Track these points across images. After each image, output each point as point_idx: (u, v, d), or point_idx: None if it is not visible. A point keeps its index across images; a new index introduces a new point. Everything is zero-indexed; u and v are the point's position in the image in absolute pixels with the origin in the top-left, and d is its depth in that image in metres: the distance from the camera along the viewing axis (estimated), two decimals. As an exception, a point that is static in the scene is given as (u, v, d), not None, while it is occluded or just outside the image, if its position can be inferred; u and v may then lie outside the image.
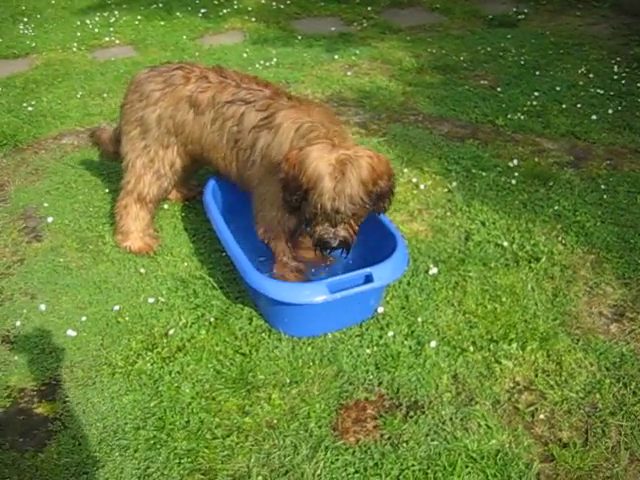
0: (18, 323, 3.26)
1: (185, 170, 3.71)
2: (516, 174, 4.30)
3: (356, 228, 2.94)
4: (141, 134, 3.52)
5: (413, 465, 2.52)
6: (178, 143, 3.51)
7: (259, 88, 3.25)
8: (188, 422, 2.73)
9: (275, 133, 3.07)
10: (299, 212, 2.98)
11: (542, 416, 2.72)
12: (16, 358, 3.07)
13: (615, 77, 5.82)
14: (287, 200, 2.94)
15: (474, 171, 4.35)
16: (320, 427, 2.69)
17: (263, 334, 3.12)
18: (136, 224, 3.71)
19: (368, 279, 2.91)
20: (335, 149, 2.80)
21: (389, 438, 2.64)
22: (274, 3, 8.10)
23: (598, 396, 2.80)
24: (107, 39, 7.13)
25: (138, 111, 3.51)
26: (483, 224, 3.83)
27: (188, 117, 3.39)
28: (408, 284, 3.38)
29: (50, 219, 4.00)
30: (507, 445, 2.60)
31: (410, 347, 3.03)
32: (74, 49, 6.85)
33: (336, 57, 6.35)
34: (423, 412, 2.74)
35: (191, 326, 3.19)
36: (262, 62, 6.24)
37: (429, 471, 2.50)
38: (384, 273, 2.94)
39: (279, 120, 3.06)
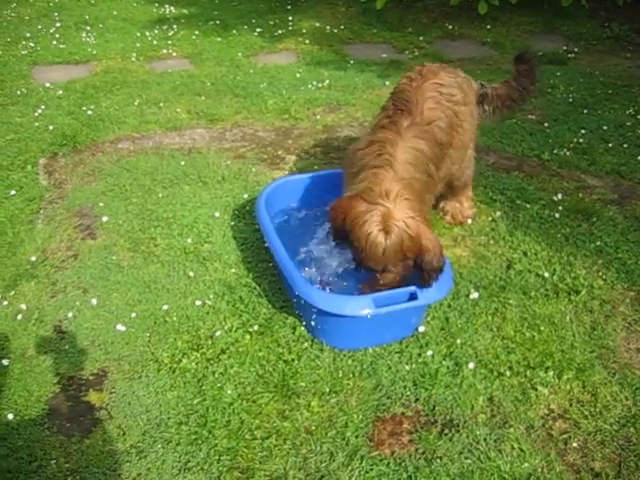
0: (70, 315, 3.39)
1: None
2: (560, 208, 4.34)
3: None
4: None
5: (446, 481, 2.58)
6: None
7: None
8: (229, 421, 2.82)
9: None
10: None
11: (575, 444, 2.76)
12: (67, 347, 3.20)
13: (663, 120, 5.84)
14: None
15: (518, 202, 4.40)
16: (357, 437, 2.76)
17: (305, 343, 3.20)
18: None
19: (413, 297, 2.97)
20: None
21: (423, 453, 2.70)
22: (328, 27, 8.27)
23: (632, 430, 2.82)
24: (165, 51, 7.34)
25: None
26: (525, 254, 3.88)
27: None
28: (449, 306, 3.45)
29: (105, 218, 4.15)
30: (539, 470, 2.64)
31: (448, 367, 3.09)
32: (133, 59, 7.07)
33: (387, 83, 6.44)
34: (458, 431, 2.79)
35: (236, 330, 3.28)
36: (315, 83, 6.38)
37: (462, 488, 2.56)
38: (429, 292, 3.00)
39: None
